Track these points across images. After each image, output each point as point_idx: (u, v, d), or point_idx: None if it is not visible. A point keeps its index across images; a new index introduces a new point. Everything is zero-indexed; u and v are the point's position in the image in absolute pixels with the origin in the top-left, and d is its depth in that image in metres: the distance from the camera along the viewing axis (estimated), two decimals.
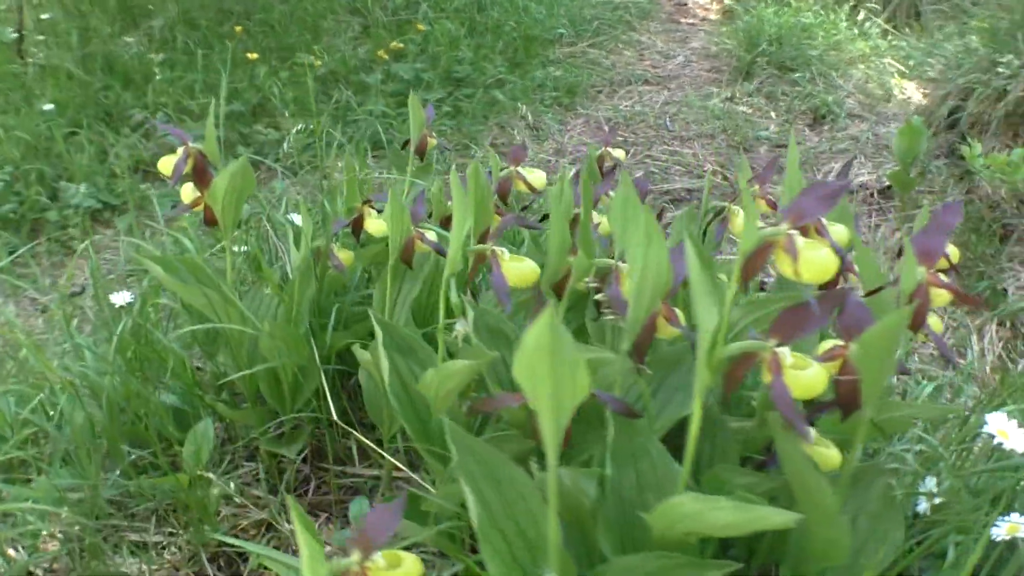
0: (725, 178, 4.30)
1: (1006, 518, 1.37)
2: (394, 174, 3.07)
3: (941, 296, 1.09)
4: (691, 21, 7.24)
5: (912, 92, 4.92)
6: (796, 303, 0.92)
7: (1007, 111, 3.43)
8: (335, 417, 1.84)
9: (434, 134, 2.22)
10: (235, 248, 2.12)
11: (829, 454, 1.19)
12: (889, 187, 3.84)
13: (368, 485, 2.01)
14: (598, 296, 1.23)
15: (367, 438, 1.87)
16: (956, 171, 3.67)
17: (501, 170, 1.77)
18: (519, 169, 1.69)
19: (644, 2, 7.11)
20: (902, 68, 5.26)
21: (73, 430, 1.85)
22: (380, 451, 1.82)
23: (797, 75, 5.20)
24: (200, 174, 1.76)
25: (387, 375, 1.39)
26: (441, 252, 1.78)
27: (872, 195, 3.83)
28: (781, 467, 1.15)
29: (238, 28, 4.52)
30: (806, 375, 0.97)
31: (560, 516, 1.06)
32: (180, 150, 1.74)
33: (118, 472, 1.86)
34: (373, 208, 1.88)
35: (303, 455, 2.02)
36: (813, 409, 1.19)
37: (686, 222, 1.70)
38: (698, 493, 0.94)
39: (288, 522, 1.87)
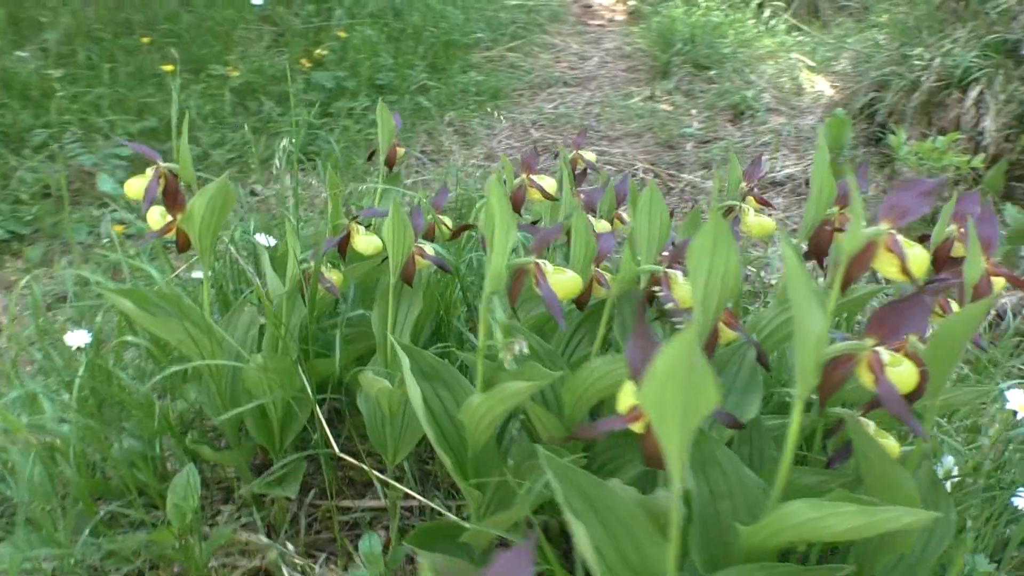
0: (658, 175, 4.37)
1: None
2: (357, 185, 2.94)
3: (997, 283, 1.12)
4: (599, 23, 7.36)
5: (822, 85, 5.16)
6: (896, 300, 0.91)
7: (921, 100, 3.64)
8: (336, 451, 1.72)
9: (402, 143, 2.12)
10: (200, 275, 1.96)
11: (890, 444, 1.20)
12: None
13: (367, 518, 1.89)
14: (668, 306, 1.19)
15: (361, 468, 1.76)
16: (877, 159, 3.86)
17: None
18: (532, 177, 1.63)
19: (553, 5, 7.17)
20: (810, 63, 5.51)
21: (32, 488, 1.65)
22: (387, 480, 1.72)
23: (713, 72, 5.36)
24: (172, 196, 1.61)
25: (419, 405, 1.30)
26: (443, 267, 1.69)
27: (802, 185, 3.98)
28: (857, 461, 1.15)
29: (145, 39, 4.22)
30: (902, 371, 0.96)
31: (656, 535, 1.01)
32: (150, 171, 1.58)
33: (87, 531, 1.68)
34: (360, 224, 1.77)
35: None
36: (873, 401, 1.19)
37: (689, 220, 1.69)
38: (814, 500, 0.92)
39: (287, 566, 1.73)
